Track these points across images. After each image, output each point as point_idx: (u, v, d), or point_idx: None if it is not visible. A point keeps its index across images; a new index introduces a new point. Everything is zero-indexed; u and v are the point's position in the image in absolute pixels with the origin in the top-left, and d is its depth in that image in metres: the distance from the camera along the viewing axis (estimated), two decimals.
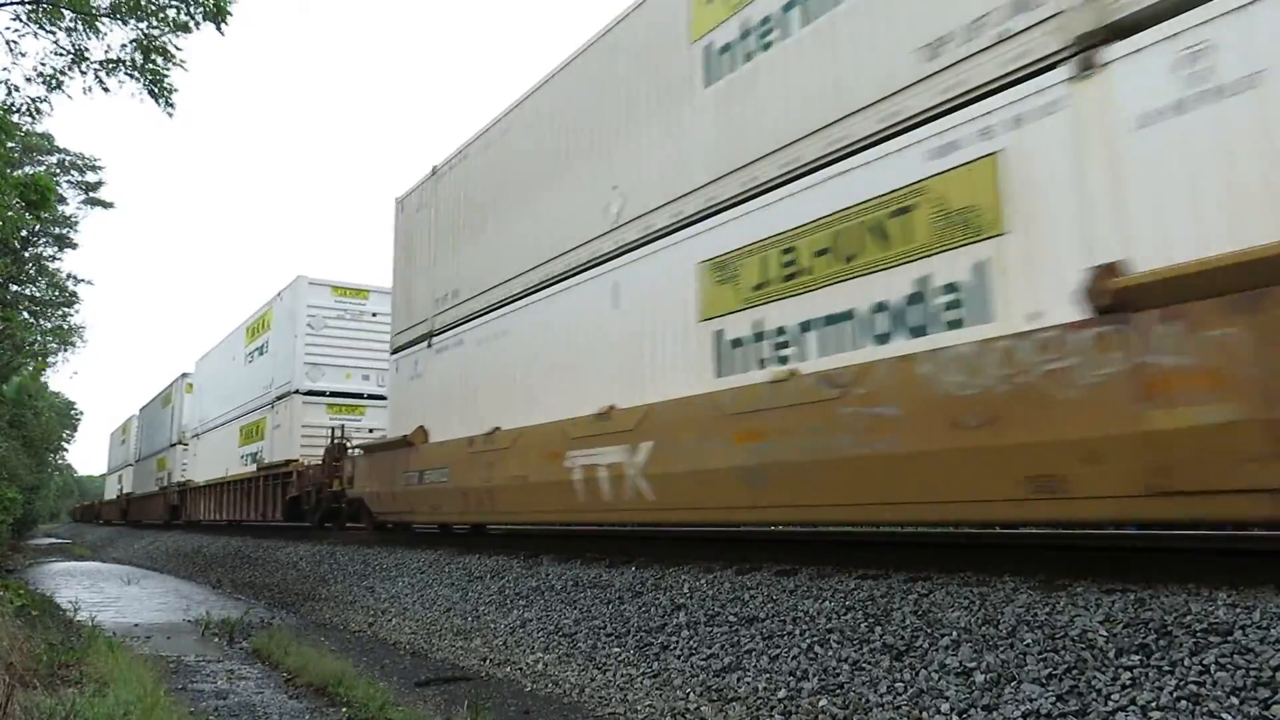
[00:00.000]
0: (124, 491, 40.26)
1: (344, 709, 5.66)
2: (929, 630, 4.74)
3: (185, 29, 10.64)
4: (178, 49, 10.79)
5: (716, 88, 6.92)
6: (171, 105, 11.10)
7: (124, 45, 10.76)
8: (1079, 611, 4.32)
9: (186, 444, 27.86)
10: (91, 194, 29.54)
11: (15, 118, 11.87)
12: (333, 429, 16.10)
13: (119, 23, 10.53)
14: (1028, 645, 4.24)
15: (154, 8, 10.42)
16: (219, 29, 10.58)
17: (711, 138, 6.92)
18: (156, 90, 10.90)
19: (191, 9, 10.47)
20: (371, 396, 18.11)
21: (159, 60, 10.73)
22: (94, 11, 10.33)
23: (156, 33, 10.60)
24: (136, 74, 10.82)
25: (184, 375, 29.49)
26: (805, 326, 5.94)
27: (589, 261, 8.36)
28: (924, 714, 4.21)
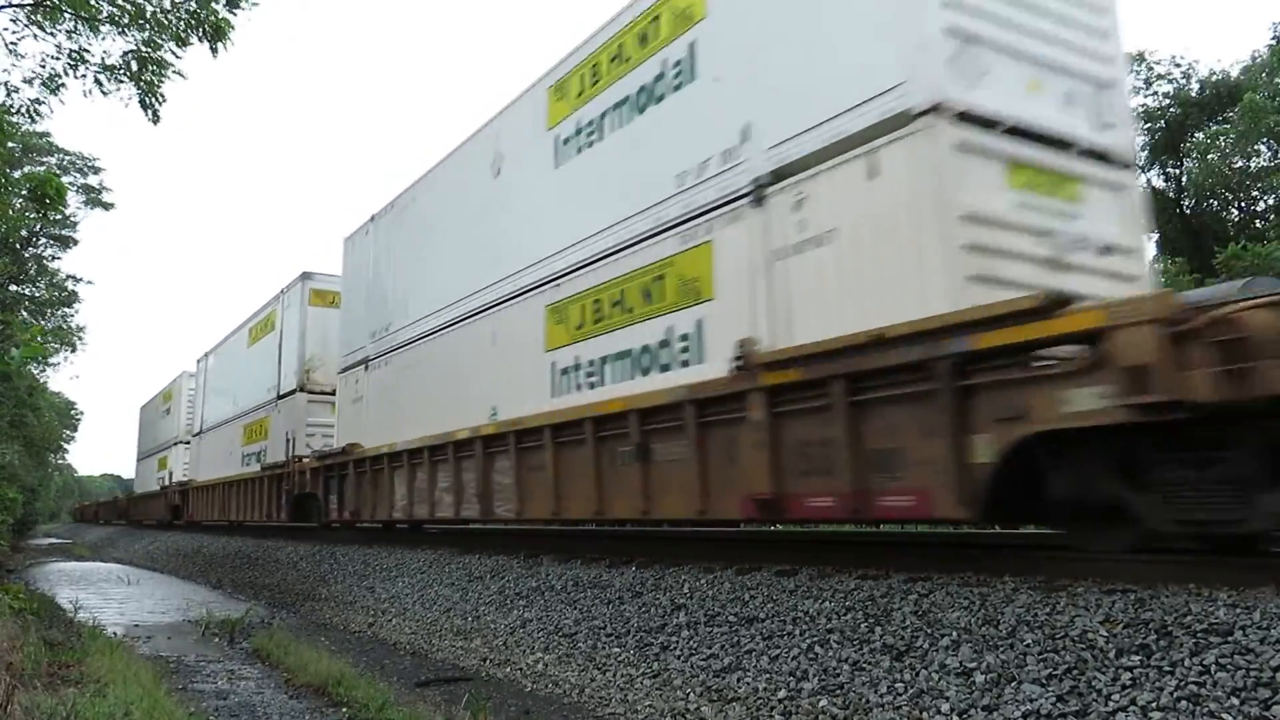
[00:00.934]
0: (173, 481, 28.73)
1: (344, 709, 5.66)
2: (929, 630, 4.74)
3: (183, 42, 10.60)
4: (177, 56, 10.78)
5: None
6: (158, 116, 11.10)
7: (123, 54, 10.77)
8: (1079, 611, 4.32)
9: (321, 392, 17.14)
10: (93, 195, 29.51)
11: (15, 119, 11.88)
12: None
13: (118, 31, 10.53)
14: (1028, 645, 4.24)
15: (155, 20, 10.40)
16: (214, 51, 10.53)
17: None
18: (146, 100, 10.89)
19: (189, 27, 10.42)
20: (1094, 154, 6.39)
21: (155, 70, 10.71)
22: (94, 14, 10.32)
23: (154, 44, 10.58)
24: (129, 79, 10.80)
25: (305, 278, 17.82)
26: None
27: None
28: (924, 714, 4.21)
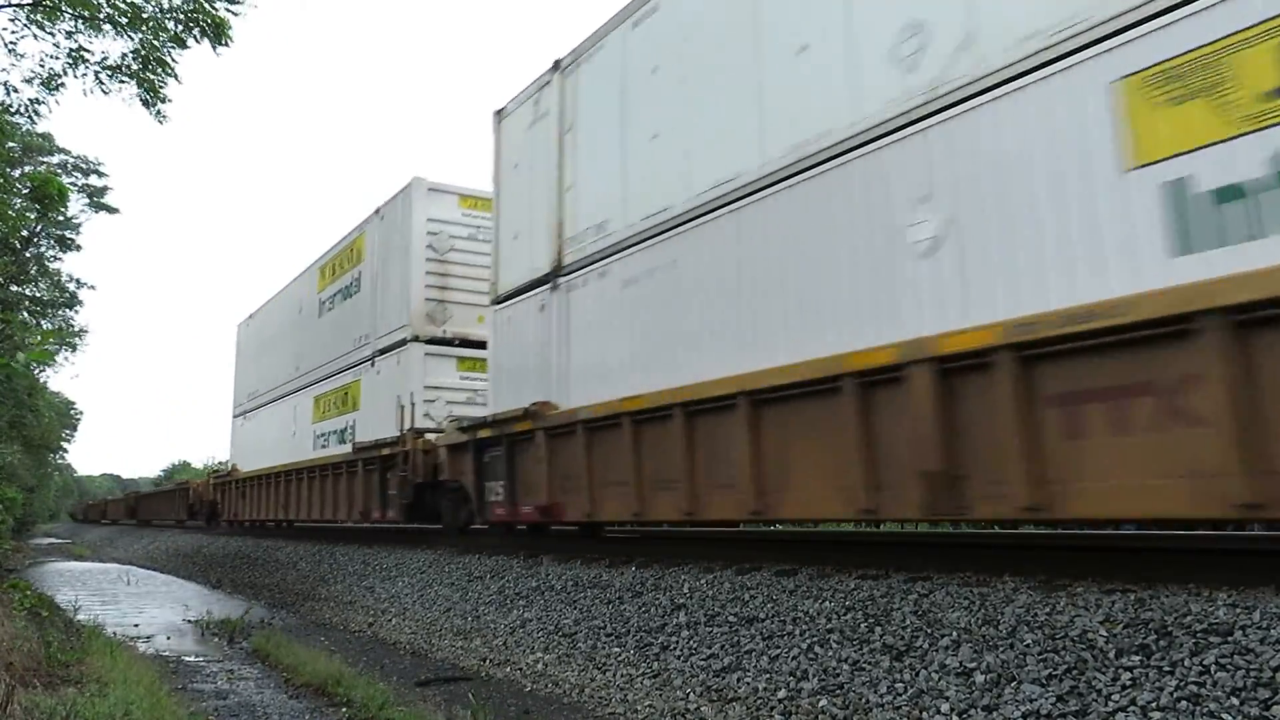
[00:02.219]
0: (409, 431, 12.38)
1: (344, 709, 5.66)
2: (929, 630, 4.74)
3: (182, 44, 10.64)
4: (174, 60, 10.81)
5: None
6: (163, 115, 11.15)
7: (124, 54, 10.80)
8: (1079, 611, 4.32)
9: None
10: (96, 199, 29.43)
11: (15, 119, 11.89)
12: None
13: (118, 32, 10.55)
14: (1028, 645, 4.24)
15: (153, 21, 10.43)
16: (215, 49, 10.57)
17: None
18: (150, 99, 10.92)
19: (188, 26, 10.45)
20: None
21: (157, 69, 10.75)
22: (94, 13, 10.33)
23: (155, 44, 10.61)
24: (131, 79, 10.83)
25: None
26: None
27: None
28: (924, 714, 4.21)
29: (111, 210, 29.93)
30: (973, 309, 5.11)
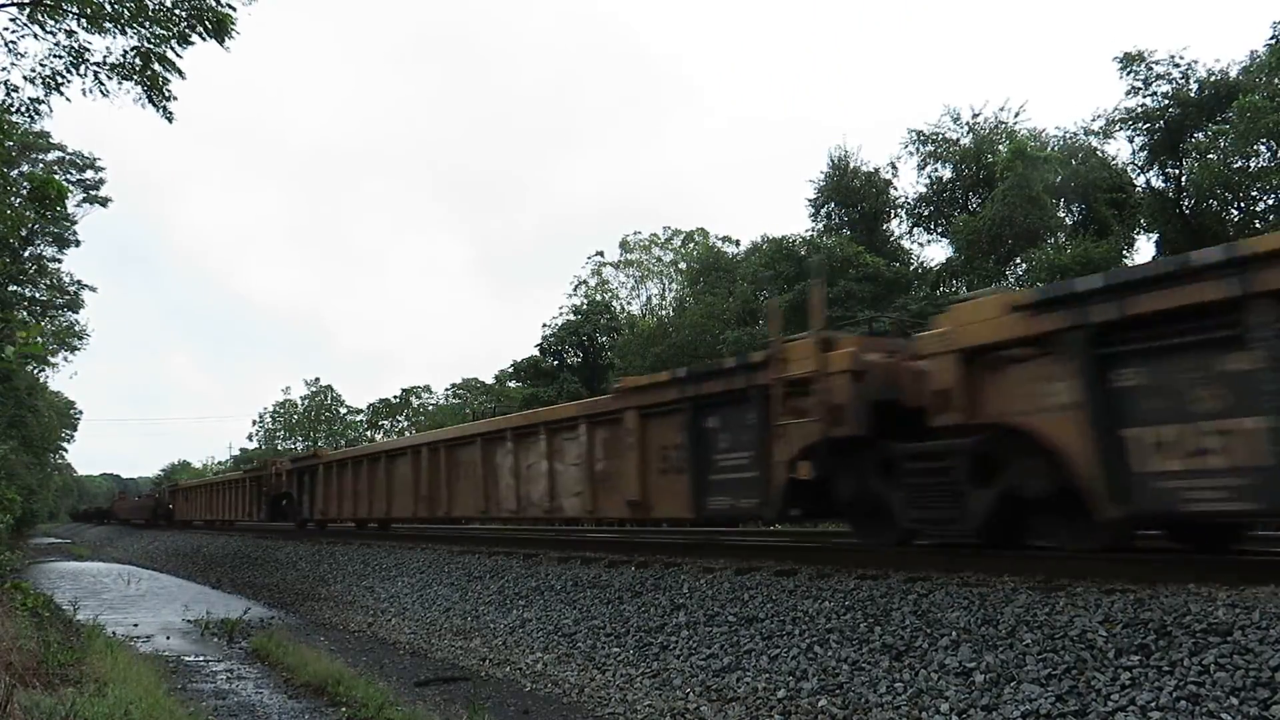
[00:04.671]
0: None
1: (343, 709, 5.65)
2: (928, 630, 4.74)
3: (186, 40, 10.59)
4: (179, 54, 10.76)
5: None
6: (170, 113, 11.12)
7: (125, 52, 10.75)
8: (1079, 611, 4.32)
9: None
10: (90, 193, 29.43)
11: (15, 118, 11.85)
12: None
13: (119, 30, 10.49)
14: (1027, 645, 4.24)
15: (157, 16, 10.37)
16: (221, 43, 10.53)
17: None
18: (154, 97, 10.89)
19: (193, 23, 10.41)
20: None
21: (158, 67, 10.70)
22: (98, 11, 10.28)
23: (156, 40, 10.57)
24: (135, 78, 10.79)
25: None
26: None
27: None
28: (923, 714, 4.21)
29: (104, 203, 29.92)
30: None
